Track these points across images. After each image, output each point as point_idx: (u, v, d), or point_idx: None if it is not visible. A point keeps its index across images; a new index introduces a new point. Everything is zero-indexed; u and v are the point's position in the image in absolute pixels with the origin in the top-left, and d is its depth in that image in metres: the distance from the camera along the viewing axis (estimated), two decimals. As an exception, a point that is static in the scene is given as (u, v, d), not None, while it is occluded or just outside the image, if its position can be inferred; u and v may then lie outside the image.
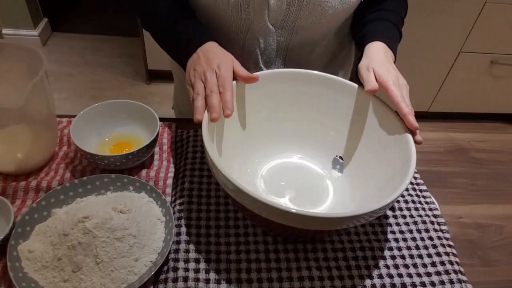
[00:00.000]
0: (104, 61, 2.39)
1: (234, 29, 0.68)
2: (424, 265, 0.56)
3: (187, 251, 0.54)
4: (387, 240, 0.59)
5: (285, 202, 0.61)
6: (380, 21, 0.69)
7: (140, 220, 0.53)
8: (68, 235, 0.49)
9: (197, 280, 0.51)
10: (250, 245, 0.56)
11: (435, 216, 0.63)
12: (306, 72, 0.64)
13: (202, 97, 0.54)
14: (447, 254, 0.57)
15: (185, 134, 0.72)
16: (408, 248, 0.58)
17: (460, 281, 0.54)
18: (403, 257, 0.57)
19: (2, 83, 0.61)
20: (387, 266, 0.55)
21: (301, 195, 0.62)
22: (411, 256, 0.57)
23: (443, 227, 0.62)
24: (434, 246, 0.58)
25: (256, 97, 0.62)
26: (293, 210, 0.43)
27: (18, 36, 2.30)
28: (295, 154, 0.68)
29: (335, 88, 0.63)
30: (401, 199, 0.66)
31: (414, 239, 0.59)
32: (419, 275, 0.55)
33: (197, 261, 0.53)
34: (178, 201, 0.60)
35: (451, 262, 0.56)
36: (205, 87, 0.55)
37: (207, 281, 0.51)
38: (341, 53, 0.82)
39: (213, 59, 0.57)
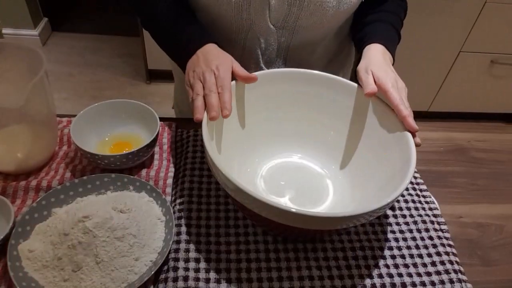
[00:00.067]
0: (104, 61, 2.39)
1: (235, 29, 0.68)
2: (424, 265, 0.56)
3: (187, 250, 0.54)
4: (387, 240, 0.59)
5: (285, 201, 0.61)
6: (379, 23, 0.69)
7: (140, 219, 0.53)
8: (68, 235, 0.49)
9: (197, 279, 0.51)
10: (250, 244, 0.56)
11: (435, 215, 0.63)
12: (306, 72, 0.64)
13: (202, 97, 0.54)
14: (447, 253, 0.58)
15: (185, 134, 0.72)
16: (408, 247, 0.58)
17: (460, 280, 0.54)
18: (403, 256, 0.57)
19: (2, 83, 0.61)
20: (387, 266, 0.55)
21: (301, 194, 0.62)
22: (411, 256, 0.57)
23: (443, 227, 0.62)
24: (434, 246, 0.58)
25: (256, 97, 0.62)
26: (293, 210, 0.43)
27: (18, 36, 2.30)
28: (295, 154, 0.68)
29: (335, 88, 0.63)
30: (401, 198, 0.66)
31: (414, 238, 0.59)
32: (419, 274, 0.55)
33: (197, 260, 0.53)
34: (178, 201, 0.60)
35: (451, 262, 0.56)
36: (204, 88, 0.55)
37: (207, 280, 0.51)
38: (341, 53, 0.82)
39: (212, 60, 0.57)
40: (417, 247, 0.58)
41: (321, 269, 0.54)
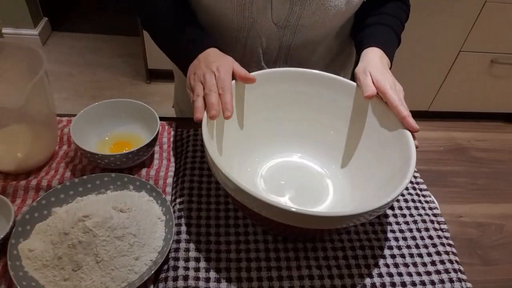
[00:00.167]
0: (104, 61, 2.39)
1: (237, 27, 0.68)
2: (424, 264, 0.56)
3: (187, 250, 0.54)
4: (387, 239, 0.59)
5: (285, 201, 0.61)
6: (379, 26, 0.69)
7: (140, 219, 0.53)
8: (69, 234, 0.49)
9: (197, 279, 0.51)
10: (250, 244, 0.56)
11: (435, 215, 0.63)
12: (306, 72, 0.64)
13: (202, 98, 0.55)
14: (447, 253, 0.58)
15: (185, 133, 0.72)
16: (408, 247, 0.58)
17: (460, 280, 0.54)
18: (403, 256, 0.57)
19: (2, 83, 0.61)
20: (387, 265, 0.55)
21: (301, 194, 0.62)
22: (411, 255, 0.57)
23: (443, 226, 0.62)
24: (434, 245, 0.58)
25: (256, 96, 0.62)
26: (293, 209, 0.43)
27: (18, 36, 2.30)
28: (295, 154, 0.68)
29: (335, 88, 0.63)
30: (401, 198, 0.66)
31: (414, 238, 0.59)
32: (418, 274, 0.55)
33: (197, 260, 0.53)
34: (178, 200, 0.60)
35: (451, 261, 0.56)
36: (204, 88, 0.55)
37: (207, 279, 0.51)
38: (343, 53, 0.82)
39: (213, 62, 0.57)
40: (417, 246, 0.58)
41: (321, 268, 0.54)
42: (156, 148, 0.68)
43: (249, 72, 0.59)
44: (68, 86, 2.18)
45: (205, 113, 0.53)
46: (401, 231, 0.60)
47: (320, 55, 0.77)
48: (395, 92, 0.56)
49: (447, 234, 0.61)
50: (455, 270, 0.55)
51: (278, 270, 0.53)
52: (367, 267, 0.55)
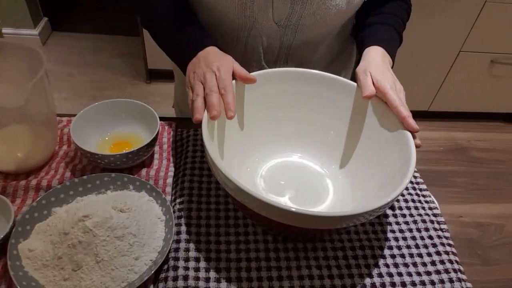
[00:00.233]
0: (104, 61, 2.39)
1: (238, 26, 0.68)
2: (424, 264, 0.56)
3: (187, 250, 0.54)
4: (387, 239, 0.59)
5: (285, 201, 0.61)
6: (380, 25, 0.69)
7: (140, 219, 0.53)
8: (69, 234, 0.49)
9: (197, 278, 0.51)
10: (250, 244, 0.56)
11: (435, 215, 0.63)
12: (306, 72, 0.64)
13: (202, 98, 0.54)
14: (446, 253, 0.58)
15: (185, 133, 0.72)
16: (408, 247, 0.58)
17: (459, 280, 0.54)
18: (402, 256, 0.57)
19: (2, 83, 0.61)
20: (386, 265, 0.55)
21: (301, 194, 0.62)
22: (411, 255, 0.57)
23: (443, 226, 0.62)
24: (434, 245, 0.58)
25: (256, 96, 0.62)
26: (293, 209, 0.43)
27: (18, 36, 2.30)
28: (295, 154, 0.68)
29: (335, 88, 0.63)
30: (401, 198, 0.66)
31: (414, 238, 0.59)
32: (418, 274, 0.55)
33: (197, 259, 0.53)
34: (178, 200, 0.60)
35: (450, 261, 0.56)
36: (204, 88, 0.55)
37: (207, 279, 0.51)
38: (343, 52, 0.82)
39: (213, 62, 0.57)
40: (417, 246, 0.58)
41: (321, 268, 0.54)
42: (156, 148, 0.68)
43: (250, 71, 0.59)
44: (68, 86, 2.18)
45: (205, 113, 0.53)
46: (401, 231, 0.60)
47: (321, 55, 0.77)
48: (395, 92, 0.56)
49: (447, 234, 0.61)
50: (455, 270, 0.55)
51: (278, 270, 0.53)
52: (367, 267, 0.55)
